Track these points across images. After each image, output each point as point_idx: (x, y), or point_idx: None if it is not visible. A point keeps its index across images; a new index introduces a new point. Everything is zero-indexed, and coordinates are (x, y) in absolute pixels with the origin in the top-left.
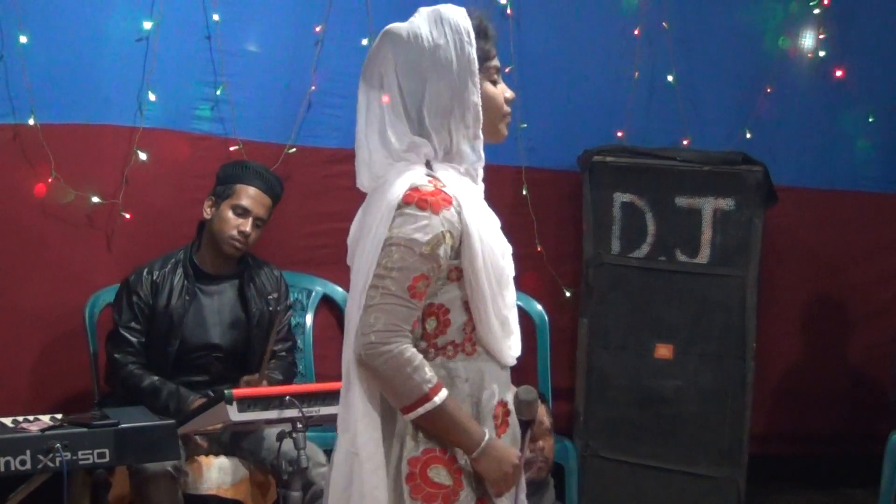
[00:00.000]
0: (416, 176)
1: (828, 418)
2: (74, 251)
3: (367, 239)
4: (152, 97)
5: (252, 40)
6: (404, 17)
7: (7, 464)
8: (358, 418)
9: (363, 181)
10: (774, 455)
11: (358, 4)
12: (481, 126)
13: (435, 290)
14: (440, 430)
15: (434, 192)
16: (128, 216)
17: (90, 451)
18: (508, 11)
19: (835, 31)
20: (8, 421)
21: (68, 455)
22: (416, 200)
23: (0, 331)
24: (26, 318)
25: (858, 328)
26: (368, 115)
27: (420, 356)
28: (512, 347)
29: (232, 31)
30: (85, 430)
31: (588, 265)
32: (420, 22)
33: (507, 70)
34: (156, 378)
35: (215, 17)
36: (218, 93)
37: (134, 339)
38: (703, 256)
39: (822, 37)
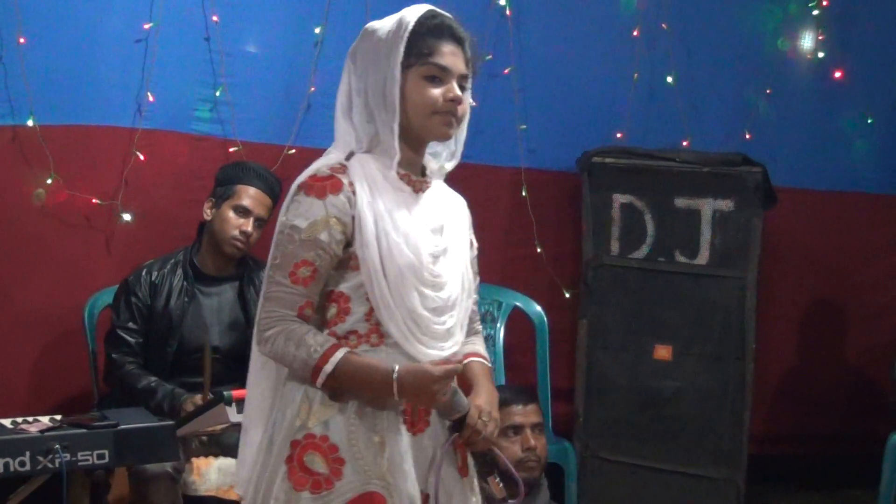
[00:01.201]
0: (321, 163)
1: (827, 419)
2: (74, 252)
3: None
4: (151, 98)
5: (251, 41)
6: None
7: (6, 465)
8: (248, 390)
9: None
10: (774, 456)
11: (357, 5)
12: (397, 120)
13: (336, 278)
14: (351, 386)
15: (325, 178)
16: (127, 217)
17: (89, 452)
18: (508, 12)
19: (834, 33)
20: (7, 422)
21: (68, 456)
22: (306, 187)
23: (0, 331)
24: (26, 319)
25: (858, 329)
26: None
27: (305, 331)
28: (430, 346)
29: (231, 33)
30: (84, 431)
31: (587, 266)
32: (386, 19)
33: (505, 71)
34: (153, 378)
35: (214, 18)
36: (217, 94)
37: (132, 340)
38: (703, 258)
39: (821, 38)
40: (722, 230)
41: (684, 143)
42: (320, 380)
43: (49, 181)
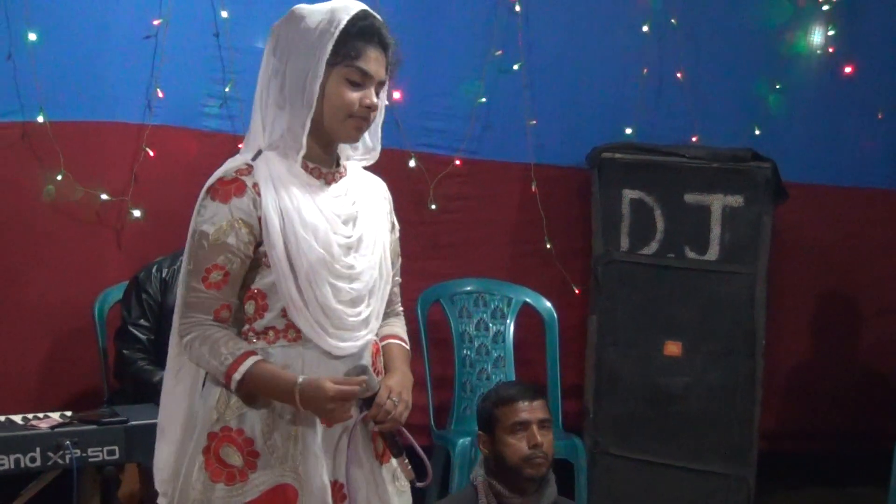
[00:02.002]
0: (227, 166)
1: (837, 415)
2: (83, 248)
3: None
4: (161, 94)
5: (260, 37)
6: (414, 13)
7: (17, 461)
8: (164, 392)
9: None
10: (784, 452)
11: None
12: (310, 116)
13: (252, 277)
14: (258, 392)
15: (230, 182)
16: (137, 214)
17: (100, 449)
18: (517, 8)
19: (844, 28)
20: (18, 418)
21: (78, 452)
22: (212, 192)
23: (9, 328)
24: (36, 315)
25: (868, 325)
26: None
27: (219, 337)
28: (344, 338)
29: (240, 28)
30: (95, 427)
31: (597, 262)
32: (318, 8)
33: (515, 67)
34: (164, 373)
35: (223, 14)
36: (226, 90)
37: (143, 336)
38: (713, 253)
39: (830, 34)
40: (732, 226)
41: (693, 139)
42: (232, 386)
43: (59, 177)
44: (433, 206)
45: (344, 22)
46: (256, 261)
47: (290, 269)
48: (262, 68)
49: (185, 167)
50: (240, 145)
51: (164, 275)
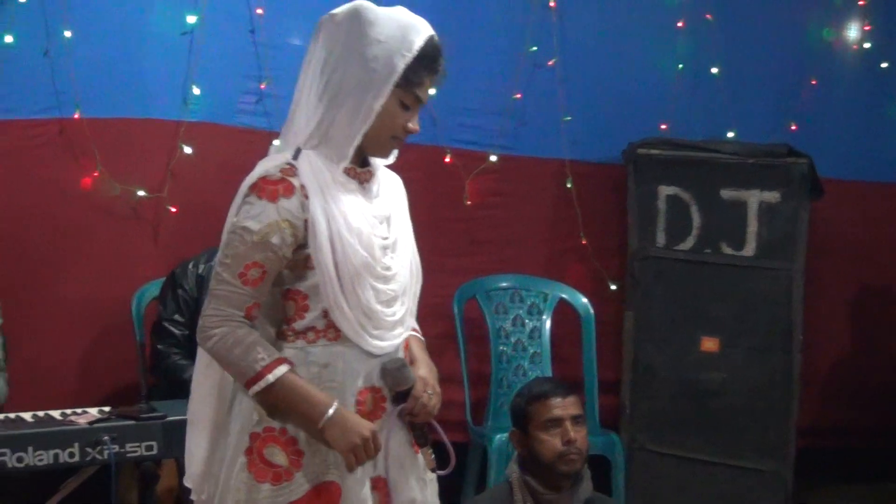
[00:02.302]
0: (269, 164)
1: (875, 411)
2: (120, 245)
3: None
4: (196, 91)
5: (295, 33)
6: (449, 9)
7: (56, 456)
8: (193, 388)
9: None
10: (821, 448)
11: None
12: (364, 131)
13: (293, 277)
14: (283, 404)
15: (277, 182)
16: (173, 210)
17: (138, 444)
18: (552, 4)
19: (880, 23)
20: (56, 414)
21: (116, 447)
22: (258, 190)
23: (48, 324)
24: (74, 311)
25: None
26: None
27: (253, 338)
28: (382, 338)
29: (275, 25)
30: (133, 422)
31: (633, 258)
32: (387, 14)
33: (549, 63)
34: None
35: (259, 11)
36: (262, 86)
37: (178, 332)
38: (749, 249)
39: (867, 28)
40: (768, 221)
41: (729, 135)
42: (256, 388)
43: (96, 174)
44: (468, 203)
45: (417, 47)
46: (295, 262)
47: (335, 272)
48: (308, 57)
49: (220, 163)
50: (275, 142)
51: (199, 271)
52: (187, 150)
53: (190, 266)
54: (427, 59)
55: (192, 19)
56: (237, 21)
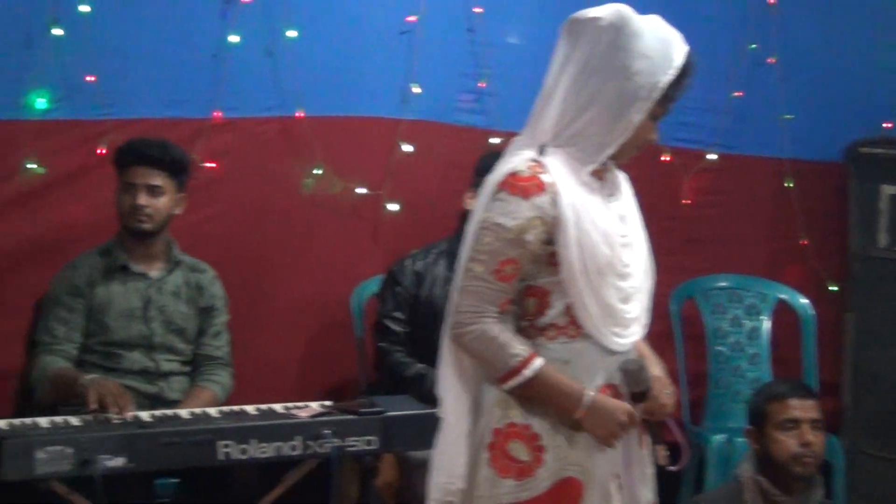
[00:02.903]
0: (518, 160)
1: None
2: (340, 242)
3: (471, 219)
4: (416, 90)
5: (513, 32)
6: (669, 7)
7: (278, 449)
8: (446, 389)
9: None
10: None
11: None
12: (618, 143)
13: (535, 273)
14: (539, 398)
15: (528, 178)
16: (392, 207)
17: (358, 438)
18: (771, 1)
19: None
20: (279, 407)
21: (337, 441)
22: (509, 186)
23: (271, 320)
24: (296, 307)
25: None
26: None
27: (507, 333)
28: (621, 335)
29: (493, 24)
30: (353, 417)
31: (854, 259)
32: (650, 26)
33: (770, 60)
34: (420, 366)
35: (477, 9)
36: (480, 85)
37: (398, 329)
38: None
39: None
40: None
41: None
42: (513, 382)
43: (317, 171)
44: (686, 201)
45: (678, 64)
46: (543, 258)
47: (581, 269)
48: (562, 56)
49: (439, 161)
50: (517, 138)
51: (417, 268)
52: (406, 148)
53: (407, 263)
54: (683, 75)
55: (412, 18)
56: (456, 20)
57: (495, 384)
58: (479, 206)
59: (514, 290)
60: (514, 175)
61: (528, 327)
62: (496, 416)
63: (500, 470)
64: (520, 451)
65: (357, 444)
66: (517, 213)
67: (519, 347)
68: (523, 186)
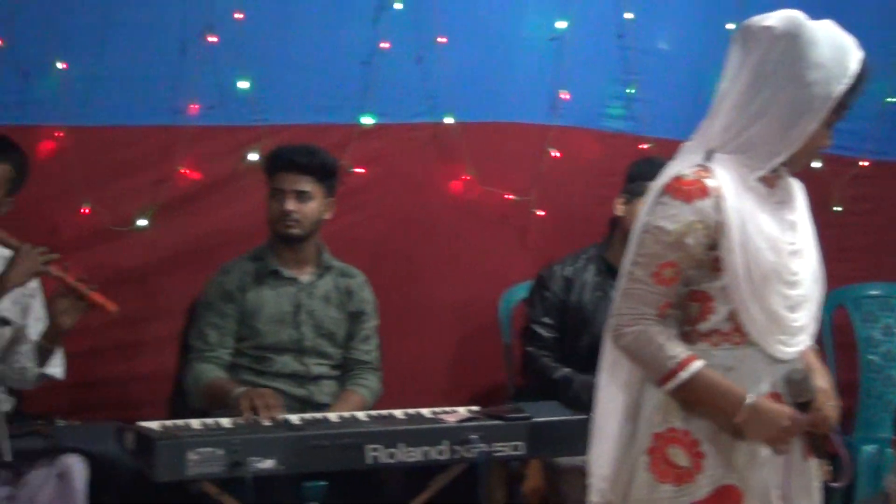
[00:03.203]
0: (683, 165)
1: None
2: (489, 247)
3: (634, 224)
4: (565, 96)
5: (664, 38)
6: (818, 8)
7: (425, 453)
8: (599, 388)
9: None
10: None
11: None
12: (789, 152)
13: (699, 278)
14: (697, 401)
15: (692, 183)
16: (540, 213)
17: (505, 444)
18: None
19: None
20: (427, 412)
21: (484, 446)
22: (672, 190)
23: (420, 324)
24: (444, 312)
25: None
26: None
27: (665, 336)
28: (787, 343)
29: (644, 30)
30: (500, 422)
31: None
32: (825, 34)
33: None
34: (567, 370)
35: (628, 15)
36: (630, 91)
37: (547, 334)
38: None
39: None
40: None
41: None
42: (671, 384)
43: (466, 177)
44: (838, 209)
45: (854, 72)
46: (707, 263)
47: (745, 275)
48: (735, 63)
49: (587, 168)
50: (687, 143)
51: (567, 273)
52: (555, 154)
53: (557, 268)
54: (859, 82)
55: (561, 24)
56: (606, 26)
57: (657, 386)
58: (644, 210)
59: (675, 293)
60: (678, 179)
61: (691, 332)
62: (656, 421)
63: (659, 475)
64: (679, 456)
65: (504, 449)
66: (678, 216)
67: (676, 350)
68: (687, 190)
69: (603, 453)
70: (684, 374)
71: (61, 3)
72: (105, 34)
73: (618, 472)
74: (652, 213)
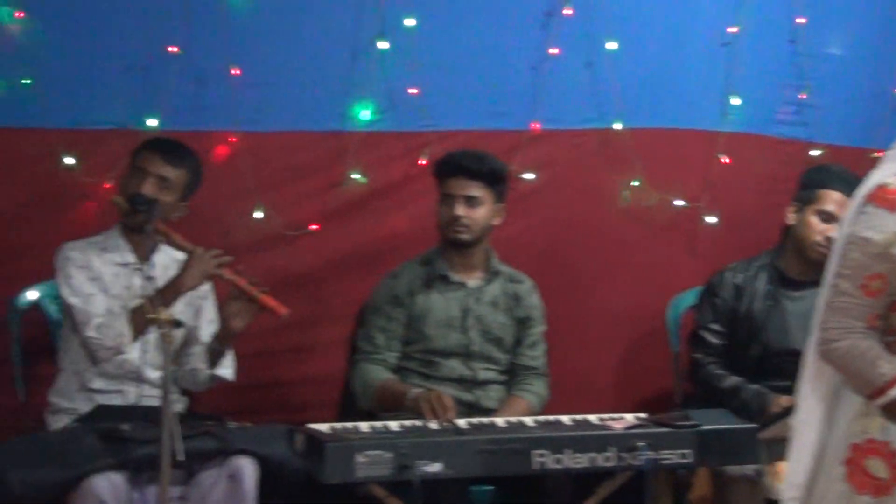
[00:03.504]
0: (887, 172)
1: None
2: (657, 253)
3: (838, 235)
4: (735, 101)
5: (836, 43)
6: None
7: (592, 459)
8: (801, 398)
9: None
10: None
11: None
12: None
13: None
14: None
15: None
16: (710, 220)
17: (672, 452)
18: None
19: None
20: (594, 418)
21: (651, 454)
22: (876, 199)
23: (587, 331)
24: (612, 318)
25: None
26: None
27: (876, 350)
28: None
29: (816, 34)
30: (667, 430)
31: None
32: None
33: None
34: (737, 379)
35: (800, 20)
36: (802, 96)
37: (715, 341)
38: None
39: None
40: None
41: None
42: (882, 400)
43: (635, 183)
44: None
45: None
46: None
47: None
48: None
49: (758, 174)
50: (871, 154)
51: (737, 281)
52: (725, 160)
53: (727, 275)
54: None
55: (733, 29)
56: (777, 30)
57: (868, 400)
58: (846, 220)
59: (881, 306)
60: (881, 188)
61: (893, 342)
62: (854, 432)
63: (857, 486)
64: (878, 468)
65: (671, 457)
66: (884, 226)
67: (886, 366)
68: (891, 199)
69: (799, 462)
70: (893, 392)
71: (235, 12)
72: (277, 41)
73: (811, 482)
74: (855, 223)
